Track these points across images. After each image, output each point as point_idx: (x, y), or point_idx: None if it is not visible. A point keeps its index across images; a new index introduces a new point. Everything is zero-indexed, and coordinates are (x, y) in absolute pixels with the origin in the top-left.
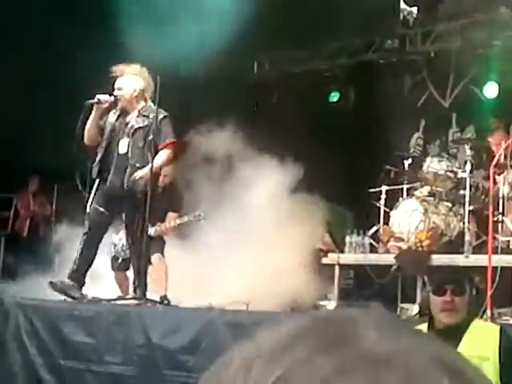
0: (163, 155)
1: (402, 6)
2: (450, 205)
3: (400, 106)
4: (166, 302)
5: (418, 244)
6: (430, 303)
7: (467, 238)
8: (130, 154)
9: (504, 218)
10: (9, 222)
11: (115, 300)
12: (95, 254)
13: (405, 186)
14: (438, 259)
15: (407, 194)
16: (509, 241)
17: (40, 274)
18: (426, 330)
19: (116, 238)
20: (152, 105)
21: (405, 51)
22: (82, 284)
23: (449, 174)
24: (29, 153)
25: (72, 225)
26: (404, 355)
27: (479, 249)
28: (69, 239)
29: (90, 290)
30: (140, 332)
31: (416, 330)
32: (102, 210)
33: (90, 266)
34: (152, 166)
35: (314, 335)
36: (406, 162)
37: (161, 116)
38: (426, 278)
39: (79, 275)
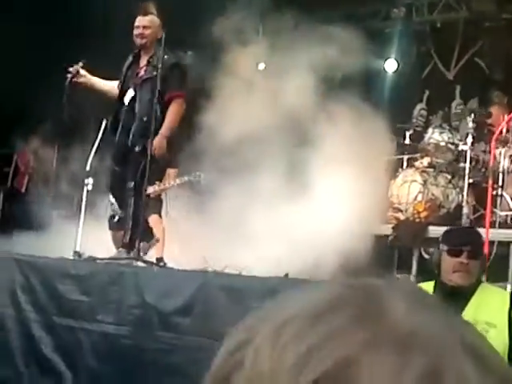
0: (173, 113)
1: None
2: (449, 177)
3: (404, 76)
4: (161, 263)
5: (416, 215)
6: (441, 262)
7: (465, 210)
8: (136, 108)
9: (503, 192)
10: (8, 178)
11: (111, 259)
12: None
13: (405, 157)
14: (435, 231)
15: (407, 165)
16: (507, 215)
17: (36, 230)
18: (431, 289)
19: (112, 197)
20: (167, 51)
21: (411, 21)
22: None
23: (450, 145)
24: (31, 110)
25: (72, 182)
26: (431, 334)
27: (477, 222)
28: (68, 197)
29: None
30: (134, 292)
31: (440, 304)
32: (117, 168)
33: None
34: (157, 123)
35: (344, 306)
36: (408, 133)
37: (170, 64)
38: (440, 238)
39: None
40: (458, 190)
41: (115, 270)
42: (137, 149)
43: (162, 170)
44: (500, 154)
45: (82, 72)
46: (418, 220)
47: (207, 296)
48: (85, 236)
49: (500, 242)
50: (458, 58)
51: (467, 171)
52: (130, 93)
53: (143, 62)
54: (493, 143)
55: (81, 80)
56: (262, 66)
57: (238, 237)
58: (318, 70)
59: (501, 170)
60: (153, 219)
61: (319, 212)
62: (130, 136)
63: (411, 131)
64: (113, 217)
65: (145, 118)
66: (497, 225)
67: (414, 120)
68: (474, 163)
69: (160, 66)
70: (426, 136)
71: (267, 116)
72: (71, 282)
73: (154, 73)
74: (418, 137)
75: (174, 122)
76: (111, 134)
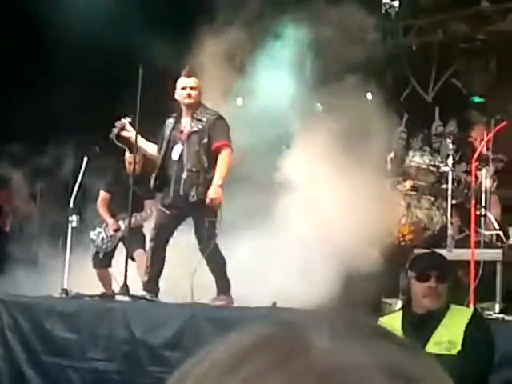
0: (223, 162)
1: None
2: (432, 199)
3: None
4: (149, 297)
5: (401, 238)
6: (411, 289)
7: (450, 232)
8: (185, 160)
9: (487, 212)
10: None
11: (98, 296)
12: (164, 258)
13: (388, 180)
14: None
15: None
16: (492, 235)
17: (22, 269)
18: (401, 315)
19: (93, 235)
20: (207, 107)
21: (386, 45)
22: (157, 292)
23: (431, 168)
24: (13, 147)
25: (55, 221)
26: (354, 365)
27: (462, 243)
28: (52, 235)
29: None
30: (123, 327)
31: (375, 331)
32: (168, 212)
33: (161, 271)
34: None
35: (267, 348)
36: (389, 156)
37: (214, 117)
38: (407, 265)
39: (153, 284)
40: (441, 211)
41: (103, 306)
42: (190, 198)
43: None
44: (482, 174)
45: (129, 127)
46: (403, 243)
47: (196, 328)
48: (72, 273)
49: (486, 262)
50: (435, 79)
51: (450, 192)
52: (178, 147)
53: (187, 118)
54: (473, 164)
55: (126, 134)
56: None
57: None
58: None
59: (483, 189)
60: (138, 254)
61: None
62: (181, 186)
63: (392, 155)
64: (97, 254)
65: (194, 169)
66: (482, 245)
67: (394, 143)
68: (456, 184)
69: (205, 119)
70: (407, 159)
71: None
72: (59, 319)
73: (200, 126)
74: (398, 160)
75: (225, 170)
76: (158, 187)
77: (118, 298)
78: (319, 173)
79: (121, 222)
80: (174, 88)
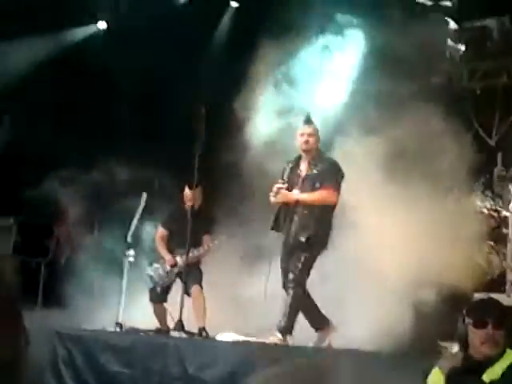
0: (319, 194)
1: (449, 43)
2: (492, 243)
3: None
4: (204, 334)
5: (461, 281)
6: (468, 335)
7: (509, 277)
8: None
9: None
10: (49, 250)
11: (153, 331)
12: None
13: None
14: (479, 297)
15: None
16: None
17: (78, 302)
18: (460, 359)
19: (151, 270)
20: (323, 153)
21: (451, 88)
22: (290, 332)
23: (492, 212)
24: (71, 180)
25: (112, 255)
26: None
27: None
28: (108, 268)
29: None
30: (177, 363)
31: None
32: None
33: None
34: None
35: None
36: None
37: (328, 163)
38: (464, 311)
39: (288, 329)
40: (501, 256)
41: (157, 342)
42: (301, 239)
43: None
44: None
45: None
46: (462, 286)
47: (250, 366)
48: (127, 307)
49: None
50: (498, 124)
51: (510, 237)
52: (295, 192)
53: (304, 163)
54: None
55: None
56: None
57: None
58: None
59: None
60: (194, 290)
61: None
62: (293, 228)
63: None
64: (154, 289)
65: (305, 211)
66: None
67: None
68: None
69: (320, 165)
70: (469, 202)
71: None
72: (113, 353)
73: (314, 171)
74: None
75: (315, 199)
76: (276, 228)
77: (172, 333)
78: (378, 205)
79: (178, 258)
80: (232, 124)
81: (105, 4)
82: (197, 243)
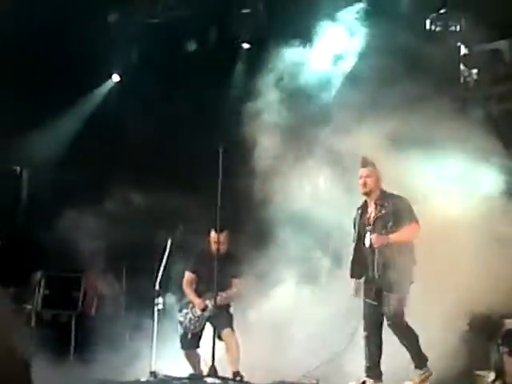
0: (406, 231)
1: (462, 67)
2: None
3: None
4: (238, 378)
5: (491, 309)
6: (504, 364)
7: None
8: (375, 253)
9: None
10: (78, 302)
11: (187, 379)
12: (381, 345)
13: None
14: (510, 323)
15: None
16: None
17: (110, 353)
18: None
19: (180, 316)
20: (387, 192)
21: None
22: (380, 376)
23: None
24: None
25: (141, 303)
26: None
27: None
28: (138, 317)
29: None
30: None
31: None
32: (371, 301)
33: (380, 357)
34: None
35: None
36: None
37: (396, 200)
38: (499, 340)
39: (375, 370)
40: None
41: None
42: (385, 281)
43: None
44: None
45: None
46: (492, 313)
47: None
48: (159, 356)
49: None
50: None
51: None
52: (368, 235)
53: (371, 206)
54: None
55: None
56: None
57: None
58: None
59: None
60: (226, 334)
61: None
62: (375, 271)
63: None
64: (185, 335)
65: (383, 253)
66: None
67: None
68: None
69: (387, 204)
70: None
71: None
72: None
73: (383, 211)
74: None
75: (405, 239)
76: (355, 275)
77: (206, 380)
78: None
79: (208, 302)
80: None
81: (118, 57)
82: (225, 286)
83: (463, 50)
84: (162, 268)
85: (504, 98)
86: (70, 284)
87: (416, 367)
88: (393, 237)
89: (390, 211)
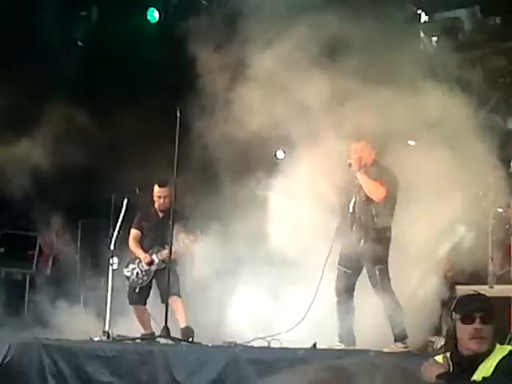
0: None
1: (422, 35)
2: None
3: None
4: (189, 337)
5: (443, 274)
6: (456, 331)
7: (491, 268)
8: (357, 211)
9: None
10: (33, 261)
11: (140, 339)
12: (353, 311)
13: None
14: (462, 290)
15: None
16: None
17: (64, 312)
18: (449, 357)
19: (127, 271)
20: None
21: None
22: (353, 341)
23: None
24: (52, 191)
25: (96, 262)
26: None
27: (504, 279)
28: (93, 277)
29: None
30: (164, 371)
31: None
32: (345, 269)
33: (352, 323)
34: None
35: None
36: None
37: (383, 169)
38: (452, 307)
39: (348, 335)
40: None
41: (144, 350)
42: (361, 245)
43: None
44: None
45: None
46: (445, 280)
47: (238, 370)
48: (114, 315)
49: None
50: None
51: (491, 228)
52: (352, 201)
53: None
54: None
55: None
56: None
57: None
58: None
59: None
60: (174, 301)
61: None
62: (354, 236)
63: None
64: (133, 290)
65: (362, 218)
66: None
67: None
68: (497, 220)
69: (374, 172)
70: None
71: None
72: (100, 363)
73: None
74: None
75: (370, 186)
76: (338, 237)
77: (159, 340)
78: None
79: (154, 256)
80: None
81: None
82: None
83: (423, 18)
84: (117, 228)
85: (461, 66)
86: (26, 243)
87: (396, 340)
88: (363, 177)
89: (373, 178)
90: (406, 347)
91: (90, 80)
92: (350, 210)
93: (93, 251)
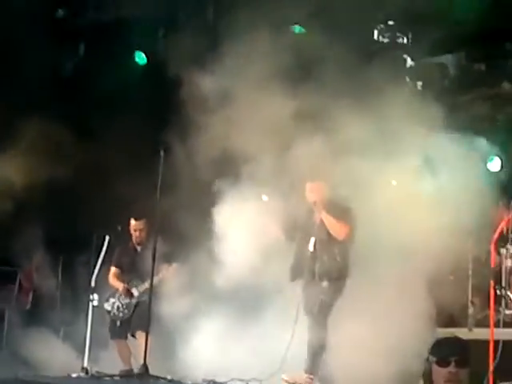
0: (338, 224)
1: (407, 80)
2: (452, 278)
3: None
4: (169, 378)
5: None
6: (432, 374)
7: (470, 311)
8: (318, 251)
9: (507, 291)
10: (13, 295)
11: (119, 376)
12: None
13: None
14: (441, 332)
15: None
16: None
17: (43, 347)
18: None
19: (108, 305)
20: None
21: None
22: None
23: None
24: (33, 225)
25: (77, 297)
26: None
27: (483, 322)
28: (73, 313)
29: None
30: None
31: None
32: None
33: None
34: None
35: None
36: None
37: (343, 207)
38: (428, 350)
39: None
40: (462, 290)
41: None
42: (323, 284)
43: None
44: (502, 253)
45: None
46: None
47: None
48: (94, 352)
49: (506, 341)
50: None
51: (470, 272)
52: (312, 240)
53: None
54: (493, 243)
55: None
56: None
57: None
58: None
59: (504, 269)
60: (139, 334)
61: None
62: (316, 276)
63: None
64: (114, 323)
65: (325, 258)
66: (501, 324)
67: None
68: (476, 264)
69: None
70: None
71: None
72: None
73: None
74: None
75: (330, 225)
76: (292, 276)
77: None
78: None
79: (134, 290)
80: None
81: None
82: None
83: (409, 63)
84: (98, 265)
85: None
86: (6, 277)
87: (306, 371)
88: (328, 217)
89: (334, 217)
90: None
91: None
92: (311, 249)
93: (73, 287)
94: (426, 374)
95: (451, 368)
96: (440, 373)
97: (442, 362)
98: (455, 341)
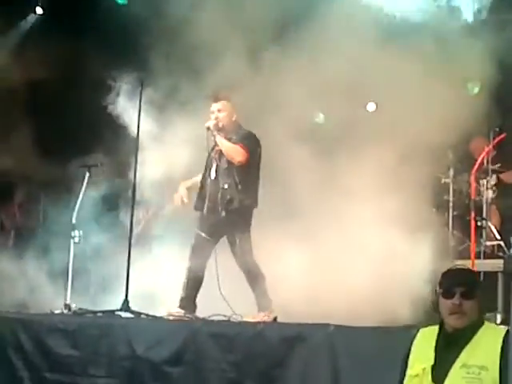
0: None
1: None
2: (434, 210)
3: None
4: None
5: None
6: (439, 305)
7: (451, 243)
8: (219, 178)
9: (487, 222)
10: None
11: (101, 311)
12: (202, 279)
13: None
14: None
15: None
16: (493, 245)
17: (25, 285)
18: (436, 332)
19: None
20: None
21: None
22: (193, 309)
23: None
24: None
25: (59, 234)
26: None
27: (464, 254)
28: (56, 249)
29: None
30: (124, 344)
31: None
32: (204, 235)
33: (198, 291)
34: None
35: None
36: None
37: (245, 132)
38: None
39: (189, 302)
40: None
41: (104, 323)
42: (223, 214)
43: None
44: (482, 184)
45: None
46: None
47: (197, 344)
48: (75, 289)
49: (487, 273)
50: None
51: (451, 204)
52: (214, 166)
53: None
54: (473, 175)
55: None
56: None
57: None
58: None
59: (484, 200)
60: None
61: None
62: (219, 204)
63: None
64: None
65: (226, 186)
66: (482, 255)
67: None
68: (457, 195)
69: (235, 137)
70: None
71: None
72: (61, 336)
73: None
74: None
75: (227, 148)
76: (198, 205)
77: (120, 313)
78: None
79: None
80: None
81: None
82: None
83: None
84: (78, 201)
85: None
86: None
87: (259, 310)
88: (221, 140)
89: (235, 141)
90: (269, 316)
91: None
92: (212, 177)
93: (55, 224)
94: (434, 305)
95: (455, 299)
96: (445, 304)
97: (447, 294)
98: (462, 271)
